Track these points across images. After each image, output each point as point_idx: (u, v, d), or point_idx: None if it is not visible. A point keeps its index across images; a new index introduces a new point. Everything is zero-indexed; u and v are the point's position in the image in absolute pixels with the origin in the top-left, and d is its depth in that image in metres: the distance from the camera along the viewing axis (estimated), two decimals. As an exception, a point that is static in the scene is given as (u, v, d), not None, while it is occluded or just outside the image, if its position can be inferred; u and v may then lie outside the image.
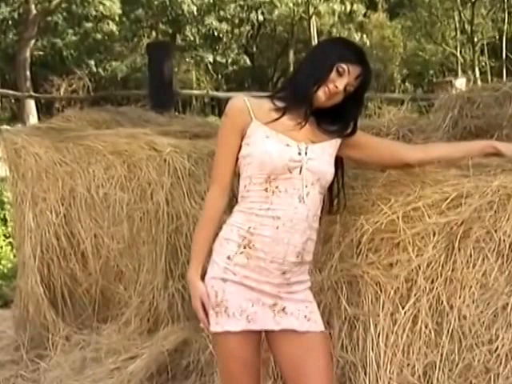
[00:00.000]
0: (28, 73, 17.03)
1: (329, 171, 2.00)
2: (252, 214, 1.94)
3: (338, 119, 2.04)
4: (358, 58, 1.98)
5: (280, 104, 2.00)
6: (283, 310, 1.97)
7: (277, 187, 1.93)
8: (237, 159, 2.00)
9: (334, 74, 1.95)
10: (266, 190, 1.93)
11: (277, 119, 1.96)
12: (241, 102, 2.00)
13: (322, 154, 1.98)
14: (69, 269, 3.54)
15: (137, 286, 3.33)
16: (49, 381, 3.21)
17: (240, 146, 1.99)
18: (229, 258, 1.95)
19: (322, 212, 2.05)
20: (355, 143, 2.10)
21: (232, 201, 2.07)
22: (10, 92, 11.62)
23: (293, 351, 1.97)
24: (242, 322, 1.94)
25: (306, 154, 1.94)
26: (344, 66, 1.95)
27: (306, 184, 1.94)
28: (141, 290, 3.31)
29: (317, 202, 1.98)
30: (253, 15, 22.65)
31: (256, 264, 1.94)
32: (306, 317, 1.98)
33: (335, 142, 2.04)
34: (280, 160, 1.92)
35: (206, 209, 2.05)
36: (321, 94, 1.95)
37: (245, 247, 1.94)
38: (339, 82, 1.95)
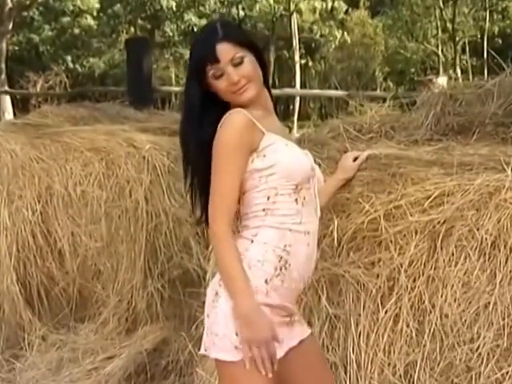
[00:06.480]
0: (3, 67, 16.81)
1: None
2: (286, 230, 1.74)
3: None
4: (204, 52, 1.73)
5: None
6: (292, 323, 1.82)
7: (304, 198, 1.77)
8: None
9: (216, 82, 1.75)
10: (296, 201, 1.75)
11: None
12: (242, 117, 1.72)
13: None
14: (45, 267, 3.50)
15: (115, 285, 3.30)
16: (24, 381, 3.18)
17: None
18: (266, 281, 1.72)
19: None
20: None
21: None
22: (-15, 88, 11.43)
23: (299, 362, 1.82)
24: (282, 347, 1.75)
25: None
26: (208, 69, 1.73)
27: (315, 194, 1.84)
28: (119, 289, 3.28)
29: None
30: (233, 11, 22.57)
31: (287, 286, 1.76)
32: (299, 321, 1.87)
33: None
34: (306, 167, 1.78)
35: (232, 254, 1.68)
36: (238, 97, 1.76)
37: (281, 268, 1.73)
38: (227, 79, 1.73)
